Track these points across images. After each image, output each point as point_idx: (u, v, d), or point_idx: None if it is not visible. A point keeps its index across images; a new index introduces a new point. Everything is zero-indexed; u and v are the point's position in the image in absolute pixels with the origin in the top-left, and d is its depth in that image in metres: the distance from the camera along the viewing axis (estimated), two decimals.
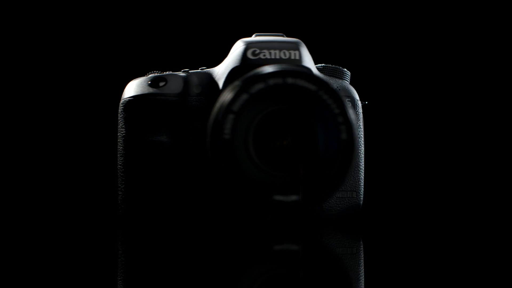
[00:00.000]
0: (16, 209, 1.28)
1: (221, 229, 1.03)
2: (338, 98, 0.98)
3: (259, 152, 0.99)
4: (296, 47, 1.05)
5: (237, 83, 0.97)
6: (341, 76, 1.10)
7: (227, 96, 0.96)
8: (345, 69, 1.11)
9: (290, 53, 1.04)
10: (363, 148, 1.08)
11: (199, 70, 1.08)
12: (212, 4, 1.40)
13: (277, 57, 1.04)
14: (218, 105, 0.97)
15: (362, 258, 0.86)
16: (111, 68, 1.37)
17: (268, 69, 0.99)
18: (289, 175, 0.99)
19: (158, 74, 1.07)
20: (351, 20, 1.41)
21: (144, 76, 1.07)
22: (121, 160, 1.06)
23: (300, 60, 1.04)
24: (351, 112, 0.98)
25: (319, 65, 1.10)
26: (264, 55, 1.04)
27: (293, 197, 0.96)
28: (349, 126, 0.98)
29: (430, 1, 1.41)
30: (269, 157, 1.00)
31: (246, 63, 1.03)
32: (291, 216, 1.01)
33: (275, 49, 1.04)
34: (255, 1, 1.41)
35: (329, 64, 1.10)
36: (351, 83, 1.11)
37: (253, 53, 1.04)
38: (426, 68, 1.40)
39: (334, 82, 1.08)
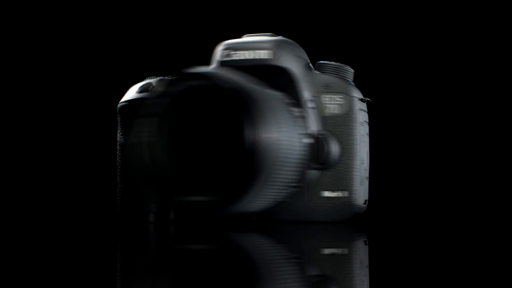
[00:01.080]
0: (17, 209, 1.33)
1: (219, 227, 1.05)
2: (242, 100, 0.95)
3: (175, 154, 0.99)
4: (269, 47, 1.05)
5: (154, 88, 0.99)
6: (343, 73, 1.09)
7: (148, 100, 0.98)
8: (348, 67, 1.09)
9: (261, 53, 1.04)
10: (358, 146, 1.06)
11: None
12: (218, 4, 1.42)
13: (250, 57, 1.05)
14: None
15: (350, 260, 0.85)
16: (119, 73, 1.42)
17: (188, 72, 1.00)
18: (204, 176, 0.98)
19: (151, 79, 1.11)
20: (356, 18, 1.38)
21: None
22: (118, 162, 1.11)
23: (273, 59, 1.04)
24: (259, 111, 0.95)
25: (323, 61, 1.09)
26: (238, 56, 1.05)
27: (204, 197, 0.96)
28: (251, 127, 0.94)
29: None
30: (184, 158, 1.00)
31: (221, 65, 1.05)
32: (205, 215, 1.01)
33: (247, 49, 1.05)
34: (264, 1, 1.41)
35: (333, 61, 1.10)
36: (354, 81, 1.10)
37: (227, 55, 1.05)
38: (429, 67, 1.36)
39: (326, 80, 1.08)
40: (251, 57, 1.05)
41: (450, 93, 1.35)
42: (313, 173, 1.05)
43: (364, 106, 1.09)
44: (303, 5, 1.40)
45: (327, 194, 1.06)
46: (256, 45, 1.05)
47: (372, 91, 1.12)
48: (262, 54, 1.04)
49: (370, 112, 1.10)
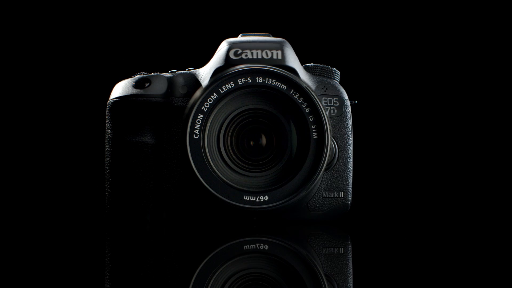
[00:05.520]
0: (4, 210, 1.28)
1: (205, 228, 1.04)
2: (309, 97, 0.98)
3: (229, 152, 1.00)
4: (278, 47, 1.05)
5: (207, 82, 0.99)
6: (330, 75, 1.10)
7: (197, 95, 0.97)
8: (334, 69, 1.10)
9: (272, 53, 1.04)
10: (351, 147, 1.08)
11: (185, 71, 1.09)
12: (202, 3, 1.41)
13: (259, 57, 1.04)
14: (189, 105, 0.98)
15: (350, 259, 0.86)
16: (100, 69, 1.38)
17: (239, 68, 1.00)
18: (260, 175, 0.99)
19: (144, 75, 1.08)
20: (342, 19, 1.40)
21: (130, 77, 1.09)
22: (107, 161, 1.07)
23: (282, 59, 1.04)
24: (323, 111, 0.98)
25: (310, 64, 1.10)
26: (246, 55, 1.04)
27: (264, 197, 0.97)
28: (320, 125, 0.98)
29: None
30: (240, 157, 1.01)
31: (228, 64, 1.04)
32: (260, 216, 1.02)
33: (257, 49, 1.04)
34: (245, 1, 1.41)
35: (318, 63, 1.10)
36: (340, 82, 1.11)
37: (235, 53, 1.04)
38: (416, 67, 1.39)
39: (322, 82, 1.08)
40: (264, 57, 1.04)
41: (437, 94, 1.37)
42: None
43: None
44: (273, 6, 1.41)
45: (326, 194, 1.07)
46: (266, 45, 1.05)
47: (357, 92, 1.14)
48: (275, 54, 1.04)
49: (360, 112, 1.12)
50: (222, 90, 0.99)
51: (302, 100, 0.99)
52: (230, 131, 1.02)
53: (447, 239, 0.99)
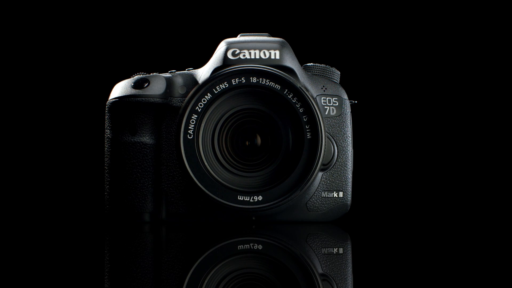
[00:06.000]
0: (3, 208, 1.29)
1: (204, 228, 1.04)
2: (303, 97, 0.98)
3: (224, 152, 1.00)
4: (276, 47, 1.05)
5: (201, 83, 0.99)
6: (330, 75, 1.09)
7: (191, 95, 0.97)
8: (334, 68, 1.10)
9: (270, 53, 1.04)
10: (351, 147, 1.08)
11: (184, 71, 1.09)
12: (201, 3, 1.41)
13: (257, 57, 1.04)
14: (183, 105, 0.98)
15: (350, 259, 0.86)
16: (100, 69, 1.38)
17: (233, 68, 1.00)
18: (255, 175, 0.99)
19: (143, 75, 1.08)
20: (341, 19, 1.40)
21: (129, 77, 1.09)
22: (107, 160, 1.07)
23: (280, 59, 1.04)
24: (318, 111, 0.98)
25: (309, 63, 1.10)
26: (244, 55, 1.04)
27: (258, 197, 0.97)
28: (314, 125, 0.98)
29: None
30: (235, 157, 1.01)
31: (226, 64, 1.04)
32: (258, 216, 1.02)
33: (255, 49, 1.04)
34: (245, 1, 1.41)
35: (318, 63, 1.10)
36: (340, 82, 1.11)
37: (233, 54, 1.04)
38: (415, 67, 1.39)
39: (321, 81, 1.08)
40: (262, 57, 1.04)
41: (437, 94, 1.37)
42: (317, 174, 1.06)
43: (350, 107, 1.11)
44: (274, 5, 1.41)
45: (324, 194, 1.07)
46: (263, 45, 1.05)
47: (357, 92, 1.15)
48: (272, 54, 1.04)
49: (357, 112, 1.12)
50: (216, 90, 0.99)
51: (296, 100, 0.99)
52: (225, 131, 1.02)
53: (446, 239, 0.99)
